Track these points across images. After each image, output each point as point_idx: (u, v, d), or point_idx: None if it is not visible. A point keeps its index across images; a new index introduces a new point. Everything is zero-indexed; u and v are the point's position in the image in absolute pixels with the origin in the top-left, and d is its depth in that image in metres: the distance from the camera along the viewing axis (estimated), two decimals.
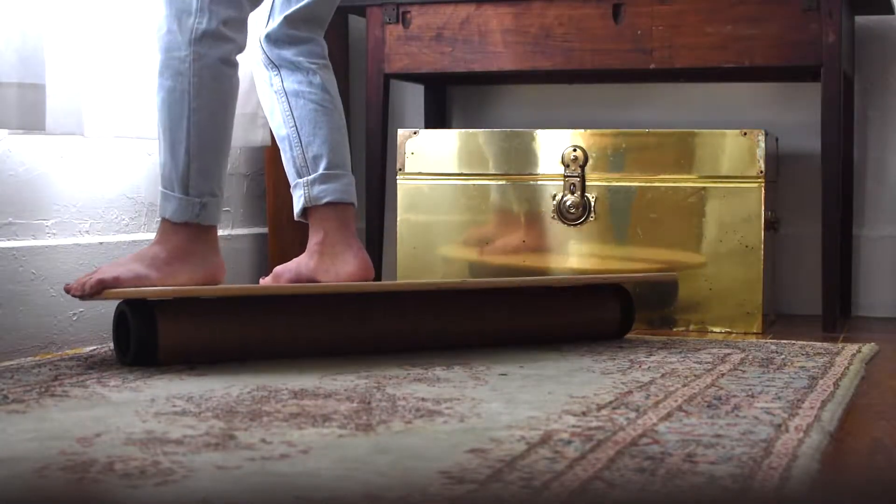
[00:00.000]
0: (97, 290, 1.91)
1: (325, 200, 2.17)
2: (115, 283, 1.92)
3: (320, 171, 2.16)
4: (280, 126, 2.19)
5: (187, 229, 1.98)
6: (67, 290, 1.96)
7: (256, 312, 2.02)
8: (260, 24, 2.20)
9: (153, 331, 1.91)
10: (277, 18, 2.17)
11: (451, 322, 2.20)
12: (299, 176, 2.18)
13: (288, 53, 2.18)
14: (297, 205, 2.20)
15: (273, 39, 2.18)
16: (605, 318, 2.36)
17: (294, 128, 2.17)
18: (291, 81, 2.17)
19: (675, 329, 2.58)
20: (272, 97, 2.19)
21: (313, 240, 2.18)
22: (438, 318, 2.19)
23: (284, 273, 2.22)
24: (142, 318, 1.92)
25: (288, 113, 2.17)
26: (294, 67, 2.18)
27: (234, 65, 2.03)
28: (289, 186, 2.23)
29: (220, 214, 2.02)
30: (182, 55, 1.97)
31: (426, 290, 2.20)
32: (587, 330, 2.34)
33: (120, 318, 1.97)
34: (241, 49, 2.04)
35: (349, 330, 2.10)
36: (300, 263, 2.20)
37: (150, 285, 1.93)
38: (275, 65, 2.18)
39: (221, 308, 1.99)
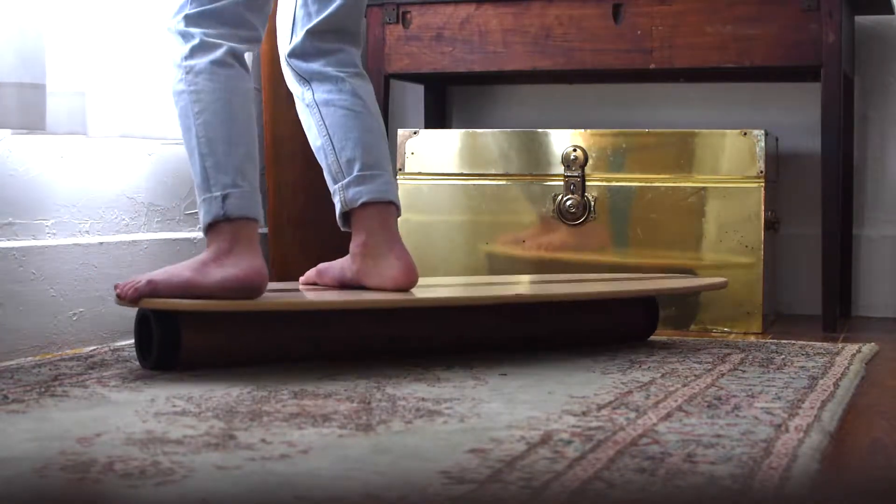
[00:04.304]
0: (134, 299, 1.91)
1: (360, 201, 2.11)
2: (150, 286, 1.90)
3: (354, 173, 2.12)
4: (315, 137, 2.16)
5: (220, 231, 1.95)
6: (116, 288, 1.95)
7: (279, 320, 2.01)
8: (283, 43, 2.18)
9: (176, 335, 1.91)
10: (300, 33, 2.16)
11: (471, 329, 2.17)
12: (335, 182, 2.14)
13: (316, 65, 2.16)
14: (337, 211, 2.15)
15: (299, 54, 2.16)
16: (630, 322, 2.33)
17: (327, 136, 2.13)
18: (321, 92, 2.15)
19: (675, 329, 2.58)
20: (306, 112, 2.17)
21: (355, 242, 2.13)
22: (458, 325, 2.16)
23: (329, 271, 2.18)
24: (164, 323, 1.92)
25: (320, 123, 2.14)
26: (323, 78, 2.15)
27: (229, 65, 1.99)
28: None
29: (252, 206, 1.97)
30: (180, 77, 1.99)
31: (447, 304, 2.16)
32: (612, 335, 2.31)
33: (142, 319, 1.97)
34: (235, 52, 2.01)
35: (372, 334, 2.08)
36: (343, 266, 2.16)
37: (181, 284, 1.91)
38: (305, 79, 2.16)
39: (245, 316, 1.98)
